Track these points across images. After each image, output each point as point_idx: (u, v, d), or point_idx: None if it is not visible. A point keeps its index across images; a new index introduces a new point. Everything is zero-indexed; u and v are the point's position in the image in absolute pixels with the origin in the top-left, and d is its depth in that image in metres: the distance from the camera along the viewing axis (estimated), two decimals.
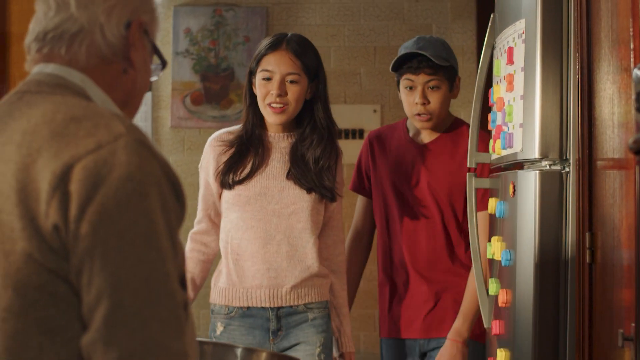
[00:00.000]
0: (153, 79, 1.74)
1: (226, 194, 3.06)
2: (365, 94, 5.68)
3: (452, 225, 3.30)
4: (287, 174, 3.05)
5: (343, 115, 5.62)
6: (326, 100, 3.13)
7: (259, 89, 3.06)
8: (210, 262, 3.19)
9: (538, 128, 2.58)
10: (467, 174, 3.06)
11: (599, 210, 2.32)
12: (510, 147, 2.72)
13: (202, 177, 3.14)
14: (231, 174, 3.04)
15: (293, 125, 3.13)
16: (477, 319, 3.23)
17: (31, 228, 1.40)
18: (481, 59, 3.07)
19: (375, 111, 5.59)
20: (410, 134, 3.42)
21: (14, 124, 1.49)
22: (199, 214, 3.17)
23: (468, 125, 3.31)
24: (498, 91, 2.91)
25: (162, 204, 1.43)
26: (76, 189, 1.38)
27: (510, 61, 2.75)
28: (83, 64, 1.60)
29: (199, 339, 1.96)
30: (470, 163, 3.06)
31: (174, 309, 1.42)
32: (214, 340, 3.01)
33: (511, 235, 2.72)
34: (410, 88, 3.31)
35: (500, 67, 2.90)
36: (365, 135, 5.50)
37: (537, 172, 2.57)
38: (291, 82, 3.03)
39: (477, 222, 3.04)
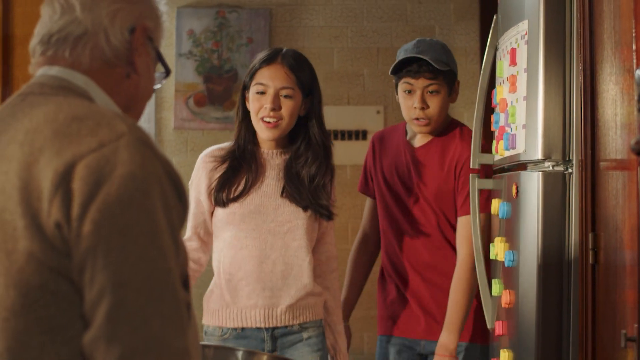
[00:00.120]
0: (156, 86, 1.75)
1: (219, 212, 2.98)
2: (368, 95, 5.68)
3: (447, 228, 3.28)
4: (282, 192, 2.97)
5: (346, 116, 5.62)
6: (321, 116, 3.05)
7: (252, 103, 2.99)
8: (195, 279, 3.08)
9: (541, 129, 2.58)
10: (470, 175, 3.06)
11: (602, 211, 2.32)
12: (513, 148, 2.72)
13: (192, 194, 3.04)
14: (225, 191, 2.96)
15: (286, 141, 3.05)
16: (479, 321, 3.23)
17: (33, 226, 1.40)
18: (484, 60, 3.07)
19: (378, 112, 5.59)
20: (408, 137, 3.41)
21: (17, 124, 1.50)
22: (188, 232, 3.06)
23: (461, 127, 3.31)
24: (501, 92, 2.91)
25: (164, 203, 1.44)
26: (78, 187, 1.39)
27: (513, 62, 2.75)
28: (86, 67, 1.61)
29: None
30: (473, 164, 3.06)
31: (176, 306, 1.42)
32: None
33: (514, 236, 2.72)
34: (409, 92, 3.27)
35: (503, 68, 2.90)
36: (369, 136, 5.52)
37: (540, 173, 2.57)
38: (285, 96, 2.95)
39: (479, 224, 3.04)
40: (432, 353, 3.24)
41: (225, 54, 5.72)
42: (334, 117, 5.60)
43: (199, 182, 3.03)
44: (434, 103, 3.25)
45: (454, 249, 3.28)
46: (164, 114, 5.74)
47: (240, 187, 2.96)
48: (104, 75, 1.62)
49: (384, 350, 3.41)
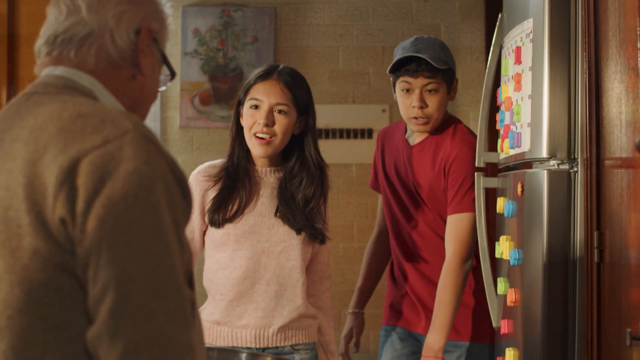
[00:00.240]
0: (162, 88, 1.75)
1: (213, 232, 2.92)
2: (373, 93, 5.68)
3: (442, 227, 3.24)
4: (276, 212, 2.90)
5: (352, 115, 5.62)
6: (315, 136, 2.97)
7: (245, 118, 2.92)
8: None
9: (546, 127, 2.58)
10: (476, 173, 3.06)
11: (607, 210, 2.32)
12: (519, 146, 2.72)
13: None
14: (221, 212, 2.89)
15: (280, 159, 2.98)
16: (481, 320, 3.21)
17: (38, 222, 1.41)
18: (489, 58, 3.07)
19: (384, 111, 5.59)
20: (407, 134, 3.39)
21: (22, 122, 1.51)
22: None
23: (456, 125, 3.27)
24: (506, 91, 2.91)
25: (169, 199, 1.44)
26: (83, 183, 1.39)
27: (518, 61, 2.75)
28: (91, 68, 1.61)
29: None
30: (478, 162, 3.06)
31: (180, 302, 1.42)
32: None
33: (520, 234, 2.72)
34: (408, 90, 3.22)
35: (508, 67, 2.90)
36: (374, 135, 5.53)
37: (545, 171, 2.57)
38: (279, 111, 2.88)
39: (485, 222, 3.04)
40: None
41: (231, 52, 5.72)
42: (339, 115, 5.61)
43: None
44: (432, 102, 3.20)
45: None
46: (169, 112, 5.75)
47: (235, 207, 2.90)
48: (109, 76, 1.63)
49: (386, 338, 3.40)
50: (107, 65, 1.62)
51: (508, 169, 2.99)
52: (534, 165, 2.70)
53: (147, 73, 1.67)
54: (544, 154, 2.58)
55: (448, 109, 3.32)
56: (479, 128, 3.06)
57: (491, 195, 3.16)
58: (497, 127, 3.01)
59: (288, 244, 2.89)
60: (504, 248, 2.83)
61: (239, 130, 2.97)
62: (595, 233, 2.37)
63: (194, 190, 2.93)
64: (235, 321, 2.88)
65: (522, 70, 2.73)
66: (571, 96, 2.57)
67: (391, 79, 3.31)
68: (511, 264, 2.74)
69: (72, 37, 1.61)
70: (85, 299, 1.41)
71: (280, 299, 2.89)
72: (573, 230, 2.55)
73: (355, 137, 5.60)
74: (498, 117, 2.99)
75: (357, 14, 5.78)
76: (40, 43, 1.65)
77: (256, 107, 2.90)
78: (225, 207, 2.90)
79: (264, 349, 2.87)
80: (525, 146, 2.67)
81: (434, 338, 3.09)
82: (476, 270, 3.20)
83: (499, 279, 2.91)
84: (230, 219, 2.89)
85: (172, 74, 1.75)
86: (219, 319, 2.90)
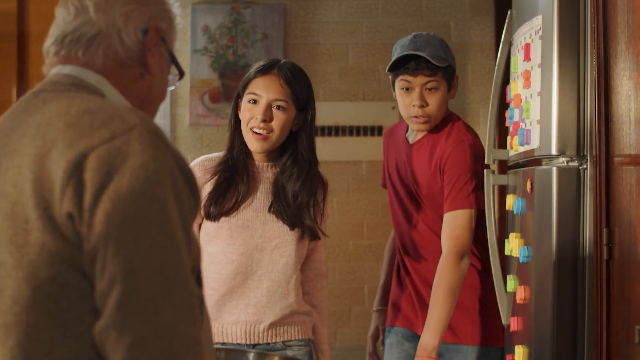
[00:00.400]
0: (170, 88, 1.75)
1: (207, 225, 2.90)
2: (383, 90, 5.68)
3: (440, 227, 3.19)
4: (270, 207, 2.88)
5: (361, 112, 5.63)
6: (311, 133, 2.93)
7: (243, 112, 2.90)
8: None
9: (555, 124, 2.57)
10: (485, 170, 3.05)
11: (617, 207, 2.32)
12: (528, 143, 2.72)
13: None
14: (218, 205, 2.87)
15: (278, 155, 2.95)
16: (489, 324, 3.18)
17: (45, 217, 1.41)
18: (498, 55, 3.07)
19: (393, 108, 5.59)
20: (407, 133, 3.35)
21: (29, 119, 1.51)
22: None
23: (453, 123, 3.21)
24: (515, 88, 2.91)
25: (176, 194, 1.44)
26: (90, 177, 1.40)
27: (527, 58, 2.75)
28: (100, 67, 1.62)
29: None
30: (487, 160, 3.05)
31: (188, 296, 1.42)
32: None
33: (529, 231, 2.72)
34: (407, 89, 3.16)
35: (518, 64, 2.90)
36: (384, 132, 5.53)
37: (555, 168, 2.57)
38: (278, 107, 2.85)
39: (495, 219, 3.03)
40: (442, 354, 3.21)
41: (240, 49, 5.73)
42: (349, 113, 5.61)
43: None
44: (433, 100, 3.15)
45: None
46: (179, 110, 5.76)
47: (232, 201, 2.88)
48: (117, 76, 1.64)
49: (390, 339, 3.38)
50: (115, 65, 1.63)
51: (517, 166, 2.98)
52: (543, 163, 2.70)
53: (155, 72, 1.68)
54: (554, 151, 2.57)
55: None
56: (488, 125, 3.06)
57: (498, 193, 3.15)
58: (507, 124, 3.01)
59: (282, 240, 2.87)
60: (514, 245, 2.82)
61: (237, 124, 2.95)
62: (604, 230, 2.37)
63: None
64: (226, 317, 2.86)
65: (532, 67, 2.72)
66: (580, 93, 2.56)
67: (390, 77, 3.26)
68: (521, 261, 2.74)
69: (80, 37, 1.62)
70: (93, 295, 1.42)
71: (272, 295, 2.86)
72: (582, 227, 2.55)
73: (365, 134, 5.60)
74: (507, 114, 2.99)
75: (366, 11, 5.78)
76: (48, 43, 1.66)
77: (254, 101, 2.87)
78: (223, 200, 2.88)
79: (254, 346, 2.85)
80: (535, 143, 2.67)
81: (427, 338, 3.02)
82: (481, 272, 3.18)
83: (508, 277, 2.90)
84: (226, 213, 2.87)
85: (181, 74, 1.76)
86: (210, 315, 2.82)
